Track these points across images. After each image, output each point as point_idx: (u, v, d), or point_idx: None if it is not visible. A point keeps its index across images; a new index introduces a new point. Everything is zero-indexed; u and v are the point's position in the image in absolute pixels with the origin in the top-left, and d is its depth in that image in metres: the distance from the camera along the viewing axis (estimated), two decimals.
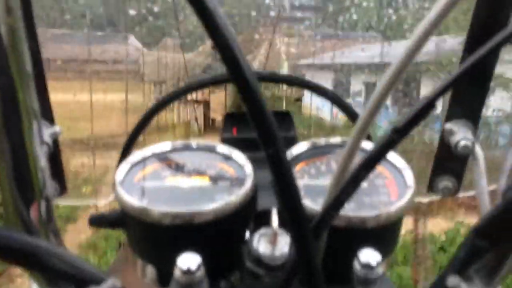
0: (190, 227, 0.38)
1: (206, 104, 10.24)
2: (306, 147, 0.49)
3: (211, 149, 0.49)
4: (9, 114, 0.26)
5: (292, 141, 0.53)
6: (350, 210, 0.39)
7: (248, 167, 0.44)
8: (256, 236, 0.39)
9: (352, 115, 0.61)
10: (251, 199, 0.42)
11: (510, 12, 0.44)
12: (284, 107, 7.20)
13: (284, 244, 0.37)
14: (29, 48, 0.26)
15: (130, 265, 0.44)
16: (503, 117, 5.23)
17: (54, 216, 0.30)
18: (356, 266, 0.36)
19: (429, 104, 0.26)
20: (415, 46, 0.25)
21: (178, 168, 0.46)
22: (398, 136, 0.26)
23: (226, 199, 0.39)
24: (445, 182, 0.54)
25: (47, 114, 0.52)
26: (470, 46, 0.46)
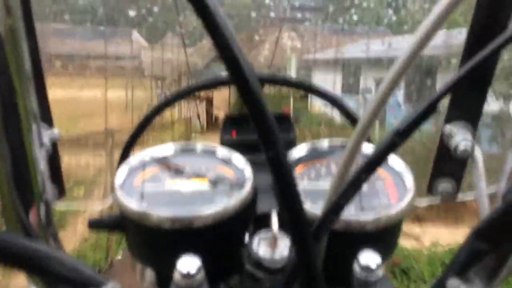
0: (190, 230, 0.38)
1: (209, 101, 10.10)
2: (306, 149, 0.49)
3: (210, 152, 0.49)
4: (9, 116, 0.26)
5: (291, 144, 0.53)
6: (349, 213, 0.39)
7: (248, 170, 0.44)
8: (256, 239, 0.39)
9: (351, 117, 0.61)
10: (251, 202, 0.42)
11: (510, 14, 0.44)
12: (291, 105, 7.14)
13: (284, 247, 0.37)
14: (28, 48, 0.26)
15: (131, 269, 0.44)
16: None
17: (53, 220, 0.30)
18: (356, 268, 0.36)
19: (431, 107, 0.26)
20: (418, 46, 0.25)
21: (178, 172, 0.46)
22: (399, 139, 0.26)
23: (226, 202, 0.39)
24: (444, 184, 0.54)
25: (46, 116, 0.51)
26: (470, 47, 0.46)
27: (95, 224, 0.43)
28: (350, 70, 8.05)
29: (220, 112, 9.75)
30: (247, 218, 0.42)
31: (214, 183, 0.44)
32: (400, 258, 3.39)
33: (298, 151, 0.49)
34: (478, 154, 0.48)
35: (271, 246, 0.37)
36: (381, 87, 0.26)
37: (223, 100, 9.48)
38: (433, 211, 4.31)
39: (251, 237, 0.40)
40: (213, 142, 0.52)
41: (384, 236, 0.40)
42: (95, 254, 3.67)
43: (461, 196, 0.56)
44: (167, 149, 0.48)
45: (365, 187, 0.43)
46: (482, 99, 0.49)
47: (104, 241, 3.64)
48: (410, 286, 3.26)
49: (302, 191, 0.43)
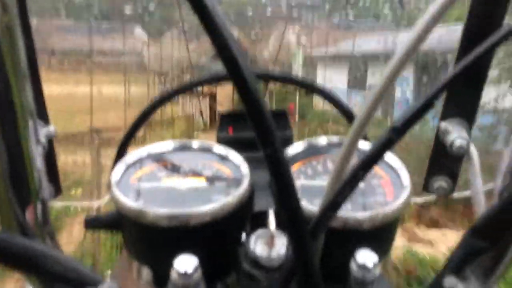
0: (187, 228, 0.38)
1: (212, 97, 9.87)
2: (303, 147, 0.49)
3: (207, 150, 0.48)
4: (5, 113, 0.25)
5: (288, 141, 0.53)
6: (346, 210, 0.39)
7: (245, 168, 0.44)
8: (253, 237, 0.39)
9: (348, 115, 0.61)
10: (248, 200, 0.42)
11: (505, 11, 0.45)
12: (297, 101, 7.09)
13: (281, 246, 0.37)
14: (24, 45, 0.26)
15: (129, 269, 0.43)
16: None
17: (49, 218, 0.30)
18: (353, 267, 0.36)
19: (427, 104, 0.26)
20: (416, 41, 0.25)
21: (174, 169, 0.46)
22: (396, 136, 0.26)
23: (223, 200, 0.39)
24: (440, 182, 0.54)
25: (42, 114, 0.51)
26: (466, 44, 0.46)
27: (92, 223, 0.43)
28: (357, 65, 7.95)
29: (224, 109, 9.69)
30: (244, 216, 0.42)
31: (211, 180, 0.44)
32: (415, 266, 3.28)
33: (295, 148, 0.49)
34: (474, 151, 0.48)
35: (268, 245, 0.37)
36: (378, 83, 0.26)
37: (227, 96, 9.33)
38: (448, 215, 4.29)
39: (248, 235, 0.40)
40: (213, 141, 0.52)
41: (380, 234, 0.40)
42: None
43: (457, 194, 0.56)
44: (164, 146, 0.48)
45: (361, 184, 0.43)
46: (477, 96, 0.49)
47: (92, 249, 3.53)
48: None
49: (299, 188, 0.43)
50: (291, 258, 0.29)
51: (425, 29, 0.24)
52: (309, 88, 0.61)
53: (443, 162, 0.52)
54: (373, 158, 0.26)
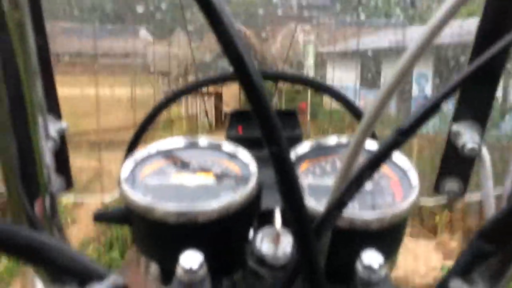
0: (194, 225, 0.38)
1: (218, 97, 9.49)
2: (311, 146, 0.49)
3: (216, 147, 0.49)
4: (16, 109, 0.26)
5: (297, 140, 0.53)
6: (354, 211, 0.39)
7: (253, 166, 0.44)
8: (259, 235, 0.39)
9: (357, 114, 0.61)
10: (256, 198, 0.42)
11: None
12: (309, 101, 7.04)
13: (287, 244, 0.37)
14: (37, 43, 0.26)
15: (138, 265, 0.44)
16: None
17: (58, 212, 0.30)
18: (359, 267, 0.36)
19: (435, 106, 0.26)
20: (430, 36, 0.24)
21: (183, 166, 0.46)
22: (402, 138, 0.26)
23: (231, 197, 0.39)
24: (451, 184, 0.53)
25: (54, 110, 0.52)
26: (480, 42, 0.45)
27: (101, 217, 0.43)
28: (369, 62, 7.77)
29: (230, 109, 9.54)
30: (252, 213, 0.42)
31: (220, 178, 0.44)
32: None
33: (304, 148, 0.48)
34: (486, 153, 0.47)
35: (274, 243, 0.38)
36: (388, 80, 0.26)
37: (233, 95, 9.19)
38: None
39: (255, 233, 0.40)
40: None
41: (388, 235, 0.40)
42: None
43: (468, 196, 0.55)
44: (173, 143, 0.49)
45: (370, 185, 0.43)
46: (490, 98, 0.48)
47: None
48: None
49: (306, 187, 0.43)
50: (295, 256, 0.29)
51: (439, 24, 0.24)
52: (321, 88, 0.61)
53: (455, 164, 0.52)
54: (379, 159, 0.26)
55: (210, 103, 9.30)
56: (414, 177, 0.43)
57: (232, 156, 0.47)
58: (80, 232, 3.53)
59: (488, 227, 0.26)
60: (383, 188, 0.43)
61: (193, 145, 0.49)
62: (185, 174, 0.44)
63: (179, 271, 0.34)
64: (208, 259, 0.35)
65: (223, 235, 0.40)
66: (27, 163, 0.27)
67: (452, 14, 0.24)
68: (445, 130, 0.51)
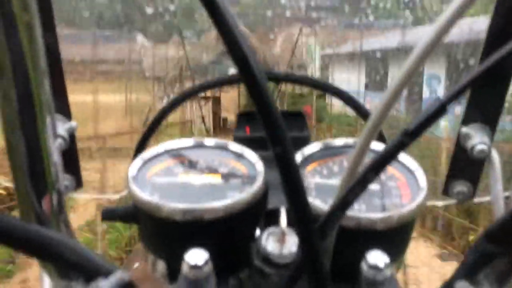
0: (201, 223, 0.38)
1: (216, 101, 9.27)
2: (319, 147, 0.49)
3: (223, 147, 0.49)
4: (24, 108, 0.26)
5: (305, 141, 0.53)
6: (361, 211, 0.39)
7: (260, 166, 0.45)
8: (265, 234, 0.39)
9: (365, 115, 0.61)
10: (262, 197, 0.42)
11: None
12: (314, 105, 6.96)
13: (292, 243, 0.37)
14: (48, 44, 0.27)
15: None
16: None
17: (65, 208, 0.31)
18: (364, 267, 0.35)
19: (442, 107, 0.26)
20: (438, 35, 0.24)
21: (191, 165, 0.46)
22: (408, 139, 0.26)
23: (237, 196, 0.39)
24: (460, 187, 0.53)
25: (65, 110, 0.53)
26: (490, 46, 0.45)
27: (109, 214, 0.44)
28: (375, 64, 7.61)
29: (229, 114, 9.15)
30: (258, 212, 0.42)
31: (226, 177, 0.44)
32: None
33: (311, 149, 0.48)
34: (495, 156, 0.47)
35: (280, 242, 0.38)
36: (394, 80, 0.26)
37: (232, 100, 9.01)
38: None
39: (261, 232, 0.40)
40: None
41: (395, 236, 0.40)
42: None
43: (478, 199, 0.55)
44: (181, 143, 0.49)
45: (377, 186, 0.43)
46: (501, 100, 0.48)
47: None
48: None
49: (313, 188, 0.43)
50: (300, 255, 0.29)
51: (447, 24, 0.24)
52: (329, 90, 0.61)
53: (464, 167, 0.51)
54: (384, 161, 0.26)
55: (207, 108, 8.91)
56: (422, 178, 0.43)
57: (239, 156, 0.47)
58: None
59: (494, 229, 0.26)
60: (390, 189, 0.43)
61: (200, 145, 0.49)
62: (192, 174, 0.45)
63: (184, 267, 0.34)
64: (214, 257, 0.35)
65: (229, 234, 0.40)
66: (35, 161, 0.28)
67: (460, 13, 0.24)
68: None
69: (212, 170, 0.45)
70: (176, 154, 0.48)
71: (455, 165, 0.52)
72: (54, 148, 0.29)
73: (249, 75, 0.22)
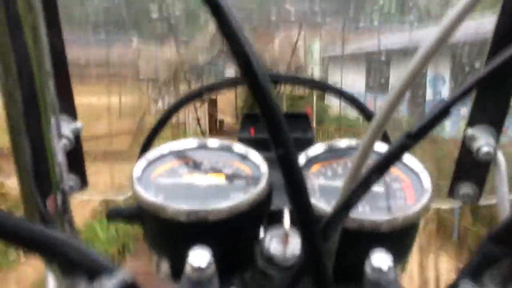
0: (205, 224, 0.38)
1: (212, 103, 8.81)
2: (323, 148, 0.49)
3: (228, 148, 0.49)
4: (29, 108, 0.26)
5: (309, 143, 0.53)
6: (365, 213, 0.39)
7: (264, 167, 0.45)
8: (268, 235, 0.39)
9: (369, 116, 0.60)
10: (266, 198, 0.42)
11: None
12: (315, 108, 6.96)
13: (295, 245, 0.37)
14: (53, 45, 0.27)
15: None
16: None
17: (69, 208, 0.31)
18: (368, 269, 0.35)
19: (445, 110, 0.26)
20: (443, 36, 0.24)
21: (195, 166, 0.47)
22: (411, 141, 0.26)
23: (241, 197, 0.40)
24: (466, 189, 0.52)
25: (70, 110, 0.53)
26: (496, 46, 0.45)
27: (114, 214, 0.44)
28: (376, 65, 7.58)
29: (226, 117, 8.95)
30: (262, 213, 0.42)
31: (230, 178, 0.44)
32: None
33: (315, 150, 0.48)
34: (501, 158, 0.46)
35: (283, 243, 0.38)
36: (398, 82, 0.26)
37: (229, 102, 8.88)
38: None
39: (264, 233, 0.40)
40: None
41: (399, 238, 0.40)
42: None
43: (483, 201, 0.54)
44: (185, 144, 0.49)
45: (381, 187, 0.42)
46: (506, 101, 0.47)
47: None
48: None
49: (317, 189, 0.43)
50: (302, 257, 0.29)
51: (452, 25, 0.24)
52: (337, 93, 0.61)
53: (469, 169, 0.51)
54: (387, 162, 0.26)
55: (202, 110, 8.46)
56: (426, 179, 0.43)
57: (243, 157, 0.48)
58: None
59: (500, 230, 0.26)
60: (395, 190, 0.42)
61: (204, 146, 0.50)
62: (196, 175, 0.45)
63: (187, 269, 0.34)
64: (218, 258, 0.35)
65: (233, 235, 0.40)
66: (40, 162, 0.28)
67: (465, 14, 0.24)
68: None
69: (217, 171, 0.45)
70: (180, 155, 0.48)
71: (461, 167, 0.51)
72: (59, 148, 0.29)
73: (251, 74, 0.22)
